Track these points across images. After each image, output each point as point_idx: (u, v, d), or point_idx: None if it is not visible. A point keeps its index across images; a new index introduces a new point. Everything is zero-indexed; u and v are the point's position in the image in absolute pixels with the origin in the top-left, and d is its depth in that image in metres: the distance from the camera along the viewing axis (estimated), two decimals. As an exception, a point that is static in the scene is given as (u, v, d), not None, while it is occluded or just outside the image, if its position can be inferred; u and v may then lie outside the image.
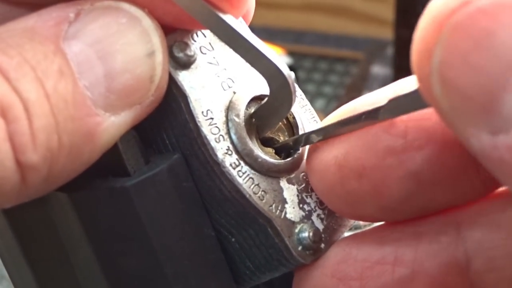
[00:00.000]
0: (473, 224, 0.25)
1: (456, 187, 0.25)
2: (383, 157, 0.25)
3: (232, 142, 0.27)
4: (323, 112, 2.20)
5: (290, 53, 2.07)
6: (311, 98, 2.36)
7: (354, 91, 1.85)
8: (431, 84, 0.20)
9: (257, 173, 0.27)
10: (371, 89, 1.83)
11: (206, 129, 0.27)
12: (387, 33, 2.03)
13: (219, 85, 0.28)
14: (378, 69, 2.02)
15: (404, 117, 0.25)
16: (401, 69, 1.77)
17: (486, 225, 0.25)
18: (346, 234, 0.30)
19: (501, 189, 0.26)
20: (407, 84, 0.26)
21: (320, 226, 0.28)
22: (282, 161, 0.28)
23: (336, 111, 0.27)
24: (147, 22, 0.25)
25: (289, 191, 0.28)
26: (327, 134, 0.27)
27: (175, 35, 0.27)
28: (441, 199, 0.26)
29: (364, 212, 0.27)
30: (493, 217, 0.25)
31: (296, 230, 0.28)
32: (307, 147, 0.28)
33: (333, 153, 0.26)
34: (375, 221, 0.28)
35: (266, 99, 0.28)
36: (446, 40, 0.19)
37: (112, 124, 0.24)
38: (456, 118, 0.20)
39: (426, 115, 0.24)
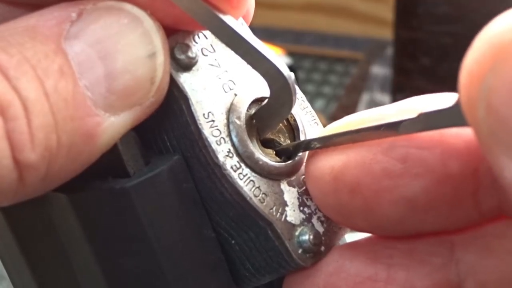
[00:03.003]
0: (467, 246, 0.25)
1: (451, 217, 0.25)
2: (379, 178, 0.25)
3: (233, 145, 0.27)
4: (323, 113, 2.20)
5: (290, 54, 2.07)
6: (311, 98, 2.36)
7: (354, 92, 1.85)
8: (476, 107, 0.20)
9: (257, 176, 0.27)
10: (371, 89, 1.83)
11: (207, 131, 0.27)
12: (387, 33, 2.03)
13: (221, 87, 0.28)
14: (378, 70, 2.02)
15: (405, 143, 0.25)
16: (401, 70, 1.77)
17: (480, 248, 0.25)
18: (347, 236, 0.30)
19: None
20: (412, 104, 0.26)
21: (321, 229, 0.28)
22: (283, 163, 0.28)
23: (340, 120, 0.27)
24: (149, 23, 0.25)
25: (290, 194, 0.28)
26: (328, 143, 0.27)
27: (177, 36, 0.27)
28: (434, 225, 0.26)
29: (355, 225, 0.27)
30: (487, 241, 0.25)
31: (297, 233, 0.28)
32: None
33: (330, 163, 0.26)
34: (368, 233, 0.28)
35: (266, 100, 0.28)
36: (500, 69, 0.19)
37: (112, 124, 0.24)
38: (493, 144, 0.20)
39: (429, 144, 0.24)
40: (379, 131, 0.25)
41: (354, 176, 0.25)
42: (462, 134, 0.24)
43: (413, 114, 0.24)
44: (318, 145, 0.27)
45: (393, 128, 0.24)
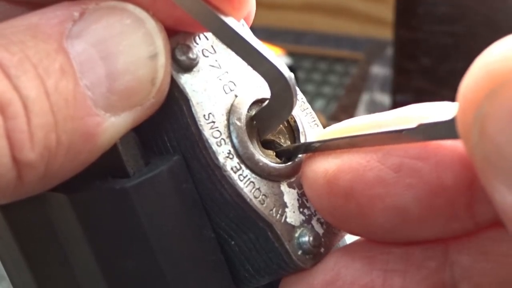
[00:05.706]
0: (461, 250, 0.25)
1: (445, 227, 0.25)
2: (372, 185, 0.25)
3: (233, 146, 0.27)
4: (323, 113, 2.19)
5: (290, 54, 2.06)
6: (311, 98, 2.36)
7: (354, 92, 1.85)
8: (470, 132, 0.20)
9: (258, 177, 0.27)
10: (370, 89, 1.83)
11: (207, 132, 0.27)
12: (386, 34, 2.03)
13: (221, 88, 0.28)
14: (378, 70, 2.01)
15: (400, 152, 0.25)
16: (401, 70, 1.77)
17: (475, 252, 0.25)
18: (347, 237, 0.30)
19: None
20: (411, 112, 0.26)
21: (320, 231, 0.28)
22: (283, 165, 0.28)
23: (340, 123, 0.27)
24: (151, 24, 0.25)
25: (290, 195, 0.28)
26: (328, 146, 0.27)
27: (178, 37, 0.27)
28: (427, 234, 0.26)
29: (350, 229, 0.27)
30: (481, 244, 0.25)
31: (296, 235, 0.28)
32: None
33: (325, 166, 0.26)
34: (364, 238, 0.28)
35: (267, 102, 0.28)
36: (496, 97, 0.19)
37: (112, 124, 0.24)
38: (487, 168, 0.20)
39: (424, 155, 0.24)
40: (378, 138, 0.25)
41: (347, 181, 0.25)
42: (458, 147, 0.24)
43: (412, 124, 0.24)
44: (318, 147, 0.27)
45: (392, 136, 0.24)
